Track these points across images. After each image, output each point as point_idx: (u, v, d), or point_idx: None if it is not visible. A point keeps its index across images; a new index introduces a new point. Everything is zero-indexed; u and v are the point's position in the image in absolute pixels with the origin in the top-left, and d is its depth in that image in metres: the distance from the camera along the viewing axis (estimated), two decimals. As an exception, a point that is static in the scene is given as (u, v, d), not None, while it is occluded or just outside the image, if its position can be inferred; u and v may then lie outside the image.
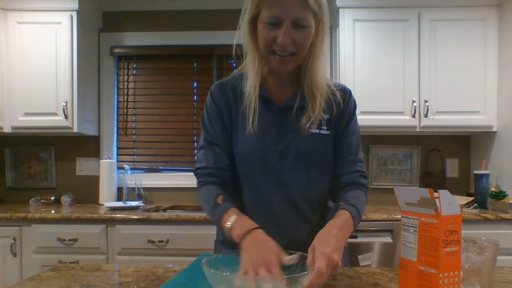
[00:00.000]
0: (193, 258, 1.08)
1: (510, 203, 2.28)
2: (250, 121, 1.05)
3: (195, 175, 1.14)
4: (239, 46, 1.09)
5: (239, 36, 1.06)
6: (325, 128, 1.09)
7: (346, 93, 1.13)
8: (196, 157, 1.16)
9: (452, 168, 2.90)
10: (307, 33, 0.98)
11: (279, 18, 0.96)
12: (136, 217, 2.30)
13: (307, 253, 0.86)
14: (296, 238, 1.06)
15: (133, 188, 2.89)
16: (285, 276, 0.78)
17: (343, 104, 1.11)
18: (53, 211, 2.43)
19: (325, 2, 1.01)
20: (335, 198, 1.11)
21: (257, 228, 0.93)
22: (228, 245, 1.13)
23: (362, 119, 2.52)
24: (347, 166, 1.11)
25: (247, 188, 1.11)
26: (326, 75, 1.10)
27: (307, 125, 1.06)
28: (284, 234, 1.05)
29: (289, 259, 0.85)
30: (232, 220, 0.97)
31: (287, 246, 0.89)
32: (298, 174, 1.08)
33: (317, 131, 1.08)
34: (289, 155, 1.07)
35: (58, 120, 2.59)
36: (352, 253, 2.20)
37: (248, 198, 1.11)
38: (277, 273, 0.79)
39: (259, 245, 0.88)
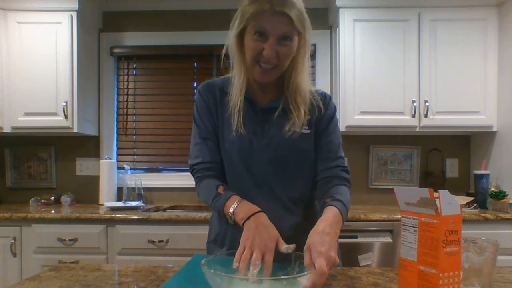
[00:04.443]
0: (193, 258, 1.08)
1: (510, 203, 2.28)
2: (235, 119, 1.11)
3: (191, 171, 1.19)
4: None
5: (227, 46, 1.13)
6: (306, 127, 1.14)
7: (326, 98, 1.21)
8: (190, 153, 1.19)
9: (452, 168, 2.90)
10: (290, 48, 1.06)
11: (265, 34, 1.03)
12: (136, 217, 2.30)
13: (297, 249, 0.90)
14: (282, 231, 1.08)
15: (133, 188, 2.88)
16: (285, 277, 0.78)
17: (323, 106, 1.18)
18: (53, 211, 2.43)
19: (308, 20, 1.08)
20: (319, 194, 1.15)
21: (260, 211, 0.99)
22: (219, 244, 1.20)
23: (362, 119, 2.56)
24: (328, 162, 1.16)
25: (233, 186, 1.15)
26: (310, 86, 1.17)
27: (290, 132, 1.11)
28: None
29: (286, 247, 0.90)
30: (234, 205, 1.02)
31: None
32: (280, 171, 1.13)
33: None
34: (271, 152, 1.12)
35: (58, 120, 2.59)
36: (352, 253, 2.20)
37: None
38: (269, 260, 0.86)
39: (260, 229, 0.93)
